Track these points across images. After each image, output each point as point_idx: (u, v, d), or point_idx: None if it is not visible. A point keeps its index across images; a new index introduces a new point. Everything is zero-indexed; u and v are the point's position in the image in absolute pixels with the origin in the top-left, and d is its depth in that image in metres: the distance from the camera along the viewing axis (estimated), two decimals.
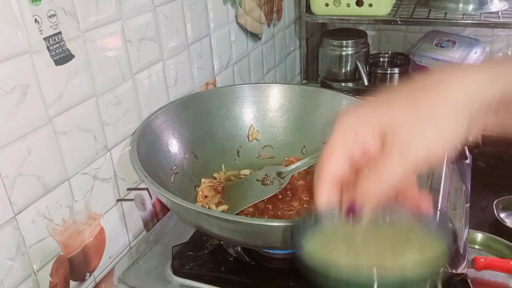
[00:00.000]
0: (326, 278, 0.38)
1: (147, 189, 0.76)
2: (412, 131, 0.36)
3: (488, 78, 0.36)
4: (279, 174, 0.71)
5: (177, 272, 0.62)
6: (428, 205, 0.40)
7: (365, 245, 0.41)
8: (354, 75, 1.28)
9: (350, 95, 0.79)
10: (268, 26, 1.13)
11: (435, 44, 1.32)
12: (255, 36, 1.06)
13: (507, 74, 0.36)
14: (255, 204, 0.68)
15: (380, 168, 0.37)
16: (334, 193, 0.39)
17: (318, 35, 1.44)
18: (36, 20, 0.52)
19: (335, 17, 1.17)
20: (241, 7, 0.97)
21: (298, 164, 0.70)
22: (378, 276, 0.38)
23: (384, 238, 0.41)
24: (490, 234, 1.25)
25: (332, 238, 0.42)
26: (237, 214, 0.66)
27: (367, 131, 0.37)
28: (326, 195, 0.39)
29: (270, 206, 0.68)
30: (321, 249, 0.40)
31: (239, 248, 0.65)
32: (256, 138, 0.80)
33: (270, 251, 0.64)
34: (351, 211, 0.40)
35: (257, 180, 0.71)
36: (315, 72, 1.40)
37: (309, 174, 0.75)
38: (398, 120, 0.36)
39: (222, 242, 0.65)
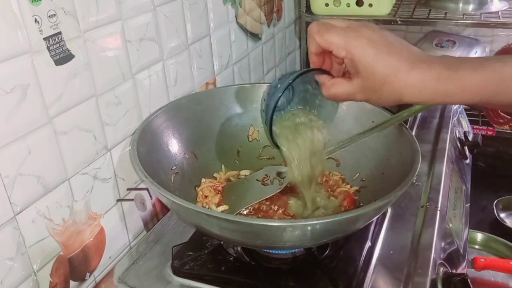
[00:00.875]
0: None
1: (147, 189, 0.76)
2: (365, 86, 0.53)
3: (422, 85, 0.49)
4: (279, 174, 0.71)
5: (177, 272, 0.62)
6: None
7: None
8: None
9: None
10: (268, 26, 1.13)
11: (435, 44, 1.32)
12: (255, 36, 1.06)
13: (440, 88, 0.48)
14: (255, 204, 0.68)
15: (335, 85, 0.56)
16: (312, 46, 0.57)
17: None
18: (36, 20, 0.52)
19: (335, 17, 1.16)
20: (241, 7, 0.97)
21: None
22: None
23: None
24: (490, 234, 1.26)
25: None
26: (237, 214, 0.66)
27: (340, 51, 0.53)
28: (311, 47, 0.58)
29: (270, 206, 0.68)
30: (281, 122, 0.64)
31: (239, 248, 0.65)
32: (256, 138, 0.80)
33: (270, 251, 0.64)
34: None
35: (257, 180, 0.71)
36: None
37: None
38: (365, 64, 0.51)
39: (222, 242, 0.65)
